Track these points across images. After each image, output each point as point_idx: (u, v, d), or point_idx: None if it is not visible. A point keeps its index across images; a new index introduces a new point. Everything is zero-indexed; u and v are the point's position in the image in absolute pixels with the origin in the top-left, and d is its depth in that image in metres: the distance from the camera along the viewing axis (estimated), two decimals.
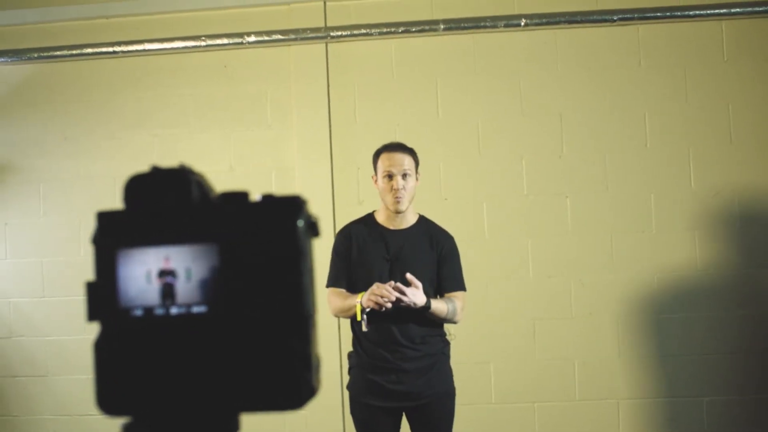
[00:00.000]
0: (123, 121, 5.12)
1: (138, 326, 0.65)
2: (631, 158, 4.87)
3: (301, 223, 0.64)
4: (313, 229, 0.66)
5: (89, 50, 5.04)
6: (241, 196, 0.65)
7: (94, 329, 0.67)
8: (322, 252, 3.83)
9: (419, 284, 3.43)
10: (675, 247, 4.82)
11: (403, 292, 3.37)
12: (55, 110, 5.17)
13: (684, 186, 4.84)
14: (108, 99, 5.14)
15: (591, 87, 4.92)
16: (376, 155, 3.66)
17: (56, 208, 5.12)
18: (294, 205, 0.65)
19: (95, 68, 5.14)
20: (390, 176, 3.56)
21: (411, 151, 3.66)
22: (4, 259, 5.19)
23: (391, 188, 3.55)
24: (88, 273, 0.65)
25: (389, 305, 3.37)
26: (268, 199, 0.65)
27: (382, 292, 3.36)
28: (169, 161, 0.67)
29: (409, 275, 3.42)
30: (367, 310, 3.44)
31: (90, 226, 4.93)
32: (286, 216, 0.65)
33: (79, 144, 5.14)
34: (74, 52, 5.05)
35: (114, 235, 0.66)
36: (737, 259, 4.80)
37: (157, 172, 0.65)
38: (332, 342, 4.79)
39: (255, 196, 0.66)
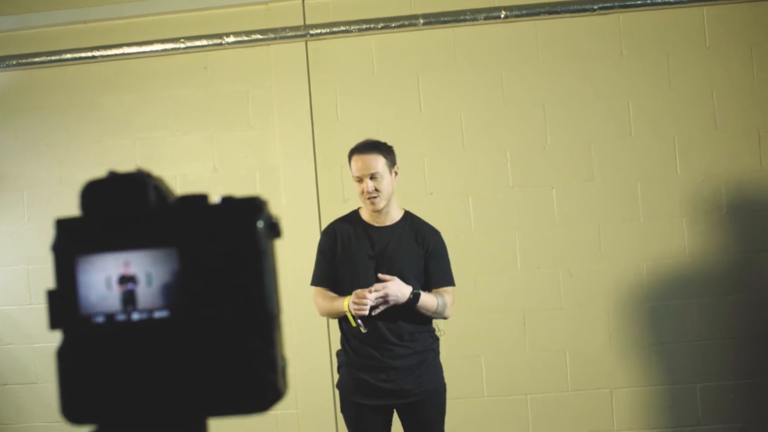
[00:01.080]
0: (105, 126, 5.09)
1: (100, 333, 0.64)
2: (616, 147, 4.87)
3: (260, 223, 0.63)
4: (273, 229, 0.65)
5: (68, 56, 5.00)
6: (200, 199, 0.64)
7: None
8: (310, 250, 3.84)
9: (393, 277, 3.46)
10: (663, 234, 4.83)
11: (386, 294, 3.37)
12: (35, 117, 5.13)
13: (670, 173, 4.84)
14: (89, 104, 5.11)
15: (573, 77, 4.91)
16: (349, 156, 3.65)
17: (40, 215, 5.09)
18: (253, 206, 0.64)
19: (75, 74, 5.11)
20: (360, 180, 3.56)
21: (383, 149, 3.62)
22: None
23: (363, 191, 3.55)
24: (45, 294, 0.65)
25: (369, 303, 3.39)
26: (228, 200, 0.64)
27: (362, 301, 3.37)
28: (152, 165, 0.66)
29: (381, 275, 3.45)
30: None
31: None
32: (245, 217, 0.64)
33: (61, 150, 5.11)
34: (53, 58, 5.01)
35: (73, 242, 0.64)
36: (726, 244, 4.81)
37: (113, 177, 0.64)
38: (322, 340, 4.78)
39: (214, 198, 0.65)
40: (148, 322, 0.63)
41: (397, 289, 3.41)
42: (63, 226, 0.65)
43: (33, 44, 5.07)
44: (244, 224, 0.63)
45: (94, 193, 0.64)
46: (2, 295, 5.14)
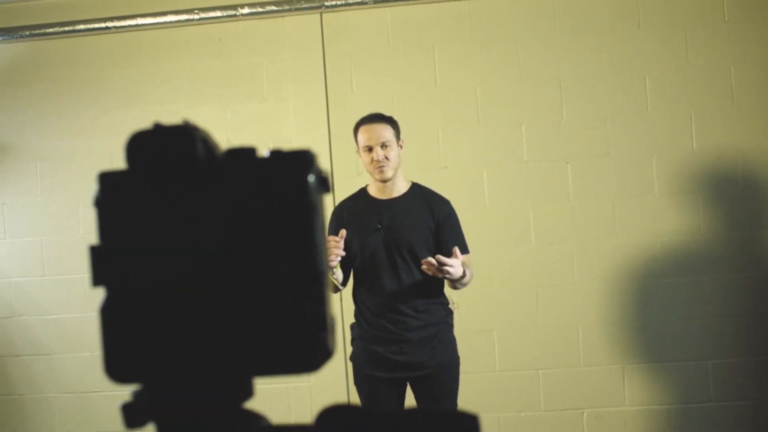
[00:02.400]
0: (118, 98, 5.08)
1: (145, 290, 0.62)
2: (632, 122, 4.83)
3: (312, 177, 0.62)
4: (324, 184, 0.63)
5: (82, 26, 4.99)
6: (248, 152, 0.62)
7: (96, 306, 0.64)
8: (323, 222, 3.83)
9: (461, 258, 3.42)
10: (678, 210, 4.80)
11: (444, 264, 3.33)
12: (49, 88, 5.13)
13: (686, 149, 4.81)
14: (102, 76, 5.10)
15: (590, 51, 4.87)
16: (355, 129, 3.70)
17: (53, 187, 5.09)
18: (304, 160, 0.62)
19: (88, 45, 5.09)
20: (369, 149, 3.58)
21: (389, 120, 3.68)
22: (3, 239, 5.17)
23: (372, 160, 3.56)
24: (88, 250, 0.63)
25: (340, 250, 3.41)
26: (277, 154, 0.63)
27: (330, 245, 3.38)
28: None
29: (456, 249, 3.41)
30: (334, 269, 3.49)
31: (88, 203, 4.90)
32: (296, 171, 0.62)
33: (74, 122, 5.11)
34: (66, 29, 4.99)
35: (117, 196, 0.63)
36: (741, 221, 4.78)
37: (159, 129, 0.63)
38: (335, 314, 4.77)
39: (263, 151, 0.63)
40: (195, 279, 0.62)
41: (456, 270, 3.37)
42: (106, 179, 0.63)
43: (46, 15, 5.06)
44: (295, 178, 0.61)
45: (139, 145, 0.63)
46: (16, 266, 5.15)
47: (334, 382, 4.82)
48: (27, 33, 5.03)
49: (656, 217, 4.81)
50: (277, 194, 0.61)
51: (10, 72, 5.15)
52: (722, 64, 4.80)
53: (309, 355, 0.62)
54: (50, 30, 5.01)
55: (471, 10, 4.92)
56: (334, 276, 3.52)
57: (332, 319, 0.64)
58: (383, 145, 3.57)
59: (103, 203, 0.63)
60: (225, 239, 0.61)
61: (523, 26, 4.91)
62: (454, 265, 3.33)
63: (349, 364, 3.88)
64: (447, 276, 3.36)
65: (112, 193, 0.63)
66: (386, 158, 3.56)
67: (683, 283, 4.81)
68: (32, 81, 5.14)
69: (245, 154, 0.62)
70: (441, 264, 3.30)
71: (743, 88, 4.79)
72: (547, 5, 4.89)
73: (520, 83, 4.89)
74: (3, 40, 5.05)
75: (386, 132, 3.60)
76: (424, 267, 3.36)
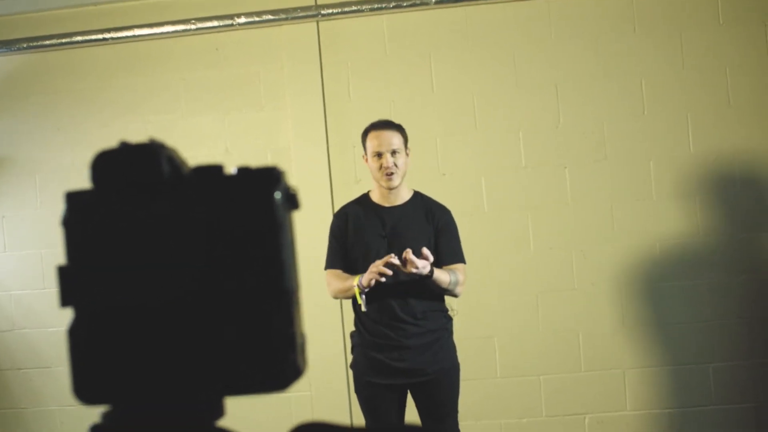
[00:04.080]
0: (116, 109, 5.08)
1: (113, 310, 0.62)
2: (629, 126, 4.83)
3: (278, 194, 0.61)
4: (291, 201, 0.63)
5: (79, 38, 5.00)
6: (215, 170, 0.62)
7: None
8: (322, 231, 3.84)
9: (431, 258, 3.40)
10: (676, 213, 4.80)
11: (413, 264, 3.32)
12: (47, 100, 5.13)
13: (683, 151, 4.81)
14: (100, 87, 5.10)
15: (586, 55, 4.87)
16: (364, 135, 3.69)
17: (53, 199, 5.10)
18: (271, 177, 0.62)
19: (86, 56, 5.10)
20: (379, 155, 3.57)
21: (399, 128, 3.67)
22: (3, 252, 5.18)
23: (381, 166, 3.55)
24: (56, 271, 0.63)
25: (389, 272, 3.34)
26: (244, 171, 0.62)
27: (381, 269, 3.34)
28: None
29: (425, 249, 3.38)
30: (366, 290, 3.44)
31: None
32: (262, 188, 0.61)
33: (72, 133, 5.11)
34: (64, 40, 5.00)
35: (84, 216, 0.62)
36: (739, 223, 4.77)
37: (125, 148, 0.62)
38: (335, 322, 4.77)
39: (230, 169, 0.63)
40: (163, 298, 0.61)
41: (425, 264, 3.37)
42: (73, 199, 0.63)
43: (44, 27, 5.07)
44: (261, 195, 0.61)
45: (105, 164, 0.62)
46: (16, 279, 5.15)
47: (335, 391, 4.81)
48: (25, 45, 5.03)
49: (655, 221, 4.80)
50: (244, 211, 0.61)
51: (8, 84, 5.16)
52: (718, 67, 4.80)
53: (278, 374, 0.62)
54: (48, 42, 5.02)
55: (467, 17, 4.92)
56: (363, 298, 3.49)
57: (302, 337, 0.64)
58: (393, 153, 3.57)
59: (70, 222, 0.63)
60: (193, 257, 0.61)
61: (518, 32, 4.91)
62: (418, 265, 3.32)
63: (350, 372, 3.88)
64: (413, 272, 3.34)
65: (79, 213, 0.63)
66: (395, 165, 3.56)
67: (683, 286, 4.80)
68: (31, 93, 5.15)
69: (212, 171, 0.62)
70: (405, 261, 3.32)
71: (739, 90, 4.79)
72: (542, 11, 4.89)
73: (516, 89, 4.89)
74: (1, 52, 5.06)
75: (396, 139, 3.61)
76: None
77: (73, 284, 0.63)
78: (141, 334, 0.62)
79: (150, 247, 0.62)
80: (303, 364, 0.63)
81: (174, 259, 0.61)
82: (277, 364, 0.61)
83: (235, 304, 0.61)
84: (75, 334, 0.63)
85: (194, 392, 0.62)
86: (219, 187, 0.62)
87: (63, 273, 0.63)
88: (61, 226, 0.63)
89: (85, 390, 0.63)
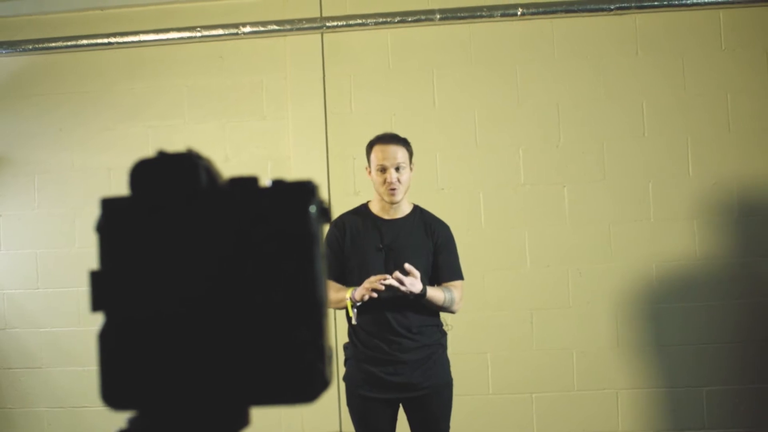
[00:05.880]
0: (118, 113, 5.09)
1: (144, 316, 0.63)
2: (629, 147, 4.85)
3: (313, 208, 0.62)
4: (325, 214, 0.64)
5: (84, 41, 5.01)
6: (250, 182, 0.63)
7: (88, 321, 0.65)
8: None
9: (417, 273, 3.40)
10: (673, 236, 4.81)
11: (401, 282, 3.33)
12: (50, 102, 5.14)
13: (682, 175, 4.83)
14: (103, 90, 5.11)
15: (588, 76, 4.89)
16: (369, 147, 3.64)
17: (51, 200, 5.09)
18: (306, 190, 0.63)
19: (90, 60, 5.11)
20: (383, 169, 3.54)
21: (404, 142, 3.63)
22: None
23: (385, 181, 3.54)
24: (83, 265, 0.63)
25: (383, 288, 3.33)
26: (279, 184, 0.63)
27: (375, 285, 3.34)
28: None
29: (407, 265, 3.39)
30: (358, 304, 3.44)
31: (85, 217, 4.92)
32: (298, 201, 0.62)
33: (74, 136, 5.12)
34: (69, 43, 5.02)
35: (119, 222, 0.63)
36: (736, 248, 4.79)
37: (163, 158, 0.63)
38: (331, 343, 4.76)
39: (265, 181, 0.64)
40: (195, 307, 0.62)
41: (413, 286, 3.38)
42: (109, 205, 0.64)
43: (50, 29, 5.08)
44: (297, 209, 0.62)
45: (142, 172, 0.63)
46: (9, 278, 5.14)
47: (326, 403, 4.78)
48: (30, 47, 5.05)
49: (652, 242, 4.82)
50: (278, 224, 0.62)
51: (12, 85, 5.17)
52: (719, 91, 4.83)
53: (306, 385, 0.62)
54: (53, 44, 5.03)
55: (471, 34, 4.94)
56: (354, 312, 3.48)
57: (330, 349, 0.64)
58: (397, 168, 3.53)
59: (105, 229, 0.63)
60: (225, 268, 0.62)
61: (521, 51, 4.93)
62: (406, 282, 3.33)
63: (342, 386, 3.86)
64: (403, 289, 3.35)
65: (114, 219, 0.63)
66: (399, 181, 3.53)
67: (678, 308, 4.81)
68: (34, 94, 5.15)
69: (248, 183, 0.63)
70: (399, 282, 3.32)
71: (740, 115, 4.81)
72: (545, 30, 4.92)
73: (518, 107, 4.91)
74: (6, 53, 5.07)
75: (401, 154, 3.56)
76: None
77: (104, 289, 0.63)
78: (171, 342, 0.62)
79: (183, 256, 0.62)
80: (330, 375, 0.63)
81: (206, 269, 0.62)
82: (307, 375, 0.62)
83: (267, 314, 0.61)
84: (105, 339, 0.63)
85: (221, 401, 0.63)
86: (254, 198, 0.63)
87: (95, 278, 0.63)
88: (95, 231, 0.63)
89: (112, 395, 0.63)
